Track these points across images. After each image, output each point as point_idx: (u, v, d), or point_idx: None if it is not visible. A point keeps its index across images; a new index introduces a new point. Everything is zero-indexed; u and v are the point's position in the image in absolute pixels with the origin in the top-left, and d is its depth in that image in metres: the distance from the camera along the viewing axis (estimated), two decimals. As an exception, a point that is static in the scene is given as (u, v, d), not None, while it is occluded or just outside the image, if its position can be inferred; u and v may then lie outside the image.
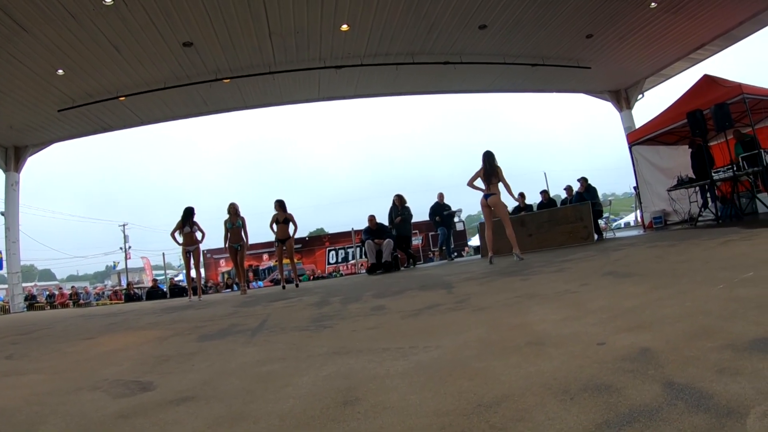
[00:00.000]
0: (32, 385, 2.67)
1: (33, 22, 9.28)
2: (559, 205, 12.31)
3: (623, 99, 16.69)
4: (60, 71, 11.33)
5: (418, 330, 2.88)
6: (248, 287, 12.25)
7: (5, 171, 15.02)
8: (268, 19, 10.28)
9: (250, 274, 19.43)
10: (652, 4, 11.21)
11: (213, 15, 9.92)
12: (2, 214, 15.67)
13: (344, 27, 10.97)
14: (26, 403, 2.19)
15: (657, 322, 2.15)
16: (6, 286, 20.00)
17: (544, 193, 12.91)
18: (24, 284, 17.12)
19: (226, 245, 9.71)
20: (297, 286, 9.67)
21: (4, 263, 17.14)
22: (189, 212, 9.55)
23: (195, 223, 9.54)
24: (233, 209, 9.61)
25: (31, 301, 17.96)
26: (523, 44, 12.73)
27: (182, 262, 10.50)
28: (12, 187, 15.02)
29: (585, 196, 11.85)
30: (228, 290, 17.28)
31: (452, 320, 3.04)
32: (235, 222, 9.55)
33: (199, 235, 9.60)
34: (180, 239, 9.46)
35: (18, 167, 15.11)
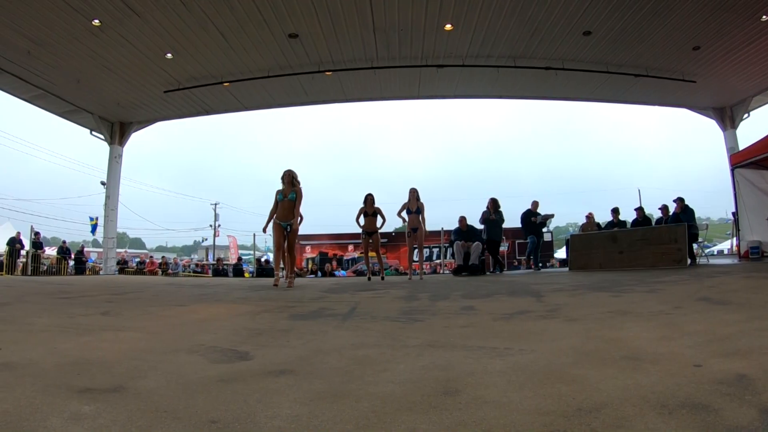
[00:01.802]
0: (129, 341, 2.81)
1: (144, 6, 9.83)
2: (654, 225, 11.80)
3: (728, 117, 15.71)
4: (169, 55, 11.94)
5: (511, 333, 2.88)
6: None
7: (110, 144, 16.08)
8: (373, 14, 10.45)
9: (334, 263, 19.72)
10: (764, 17, 10.51)
11: (318, 7, 10.16)
12: (103, 183, 16.78)
13: (448, 26, 10.96)
14: (125, 358, 2.32)
15: (754, 351, 2.11)
16: (100, 249, 21.51)
17: (640, 210, 12.34)
18: (116, 250, 18.24)
19: (270, 222, 7.89)
20: (382, 279, 9.78)
21: (99, 228, 18.41)
22: None
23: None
24: (289, 177, 7.86)
25: (122, 266, 19.14)
26: (627, 53, 12.25)
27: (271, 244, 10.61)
28: (115, 160, 16.08)
29: (681, 217, 11.26)
30: (312, 276, 17.67)
31: (544, 327, 3.03)
32: (287, 193, 7.76)
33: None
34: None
35: (122, 142, 16.18)
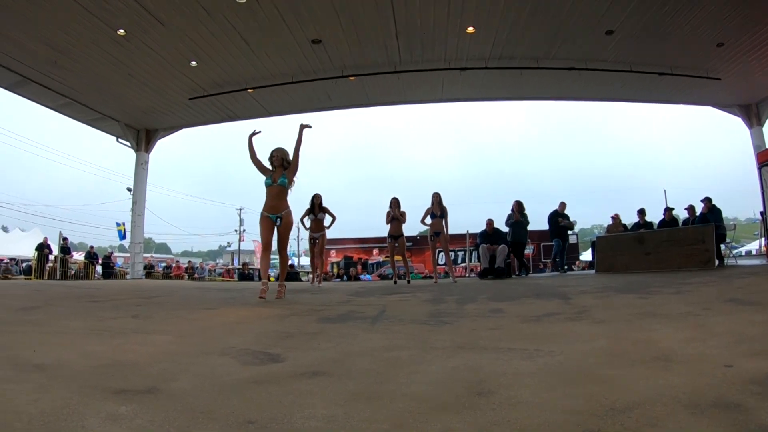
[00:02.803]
0: (160, 344, 2.83)
1: (168, 15, 9.96)
2: (681, 225, 11.59)
3: (754, 115, 15.26)
4: (193, 62, 12.10)
5: (540, 335, 2.88)
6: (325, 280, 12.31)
7: (136, 151, 16.36)
8: (395, 18, 10.43)
9: (359, 267, 19.74)
10: (787, 12, 10.26)
11: (341, 13, 10.19)
12: (129, 190, 17.12)
13: (470, 29, 10.90)
14: (156, 360, 2.34)
15: (786, 351, 2.08)
16: (126, 254, 21.94)
17: (668, 211, 12.09)
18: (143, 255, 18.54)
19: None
20: (408, 282, 9.78)
21: (127, 234, 18.82)
22: (316, 198, 9.60)
23: (324, 209, 9.60)
24: (279, 159, 6.05)
25: (148, 270, 19.48)
26: (650, 51, 12.02)
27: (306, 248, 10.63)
28: (141, 167, 16.36)
29: (708, 217, 11.03)
30: (337, 280, 17.75)
31: (573, 329, 3.02)
32: (277, 178, 5.94)
33: (328, 220, 9.64)
34: (307, 224, 9.70)
35: (148, 148, 16.46)
